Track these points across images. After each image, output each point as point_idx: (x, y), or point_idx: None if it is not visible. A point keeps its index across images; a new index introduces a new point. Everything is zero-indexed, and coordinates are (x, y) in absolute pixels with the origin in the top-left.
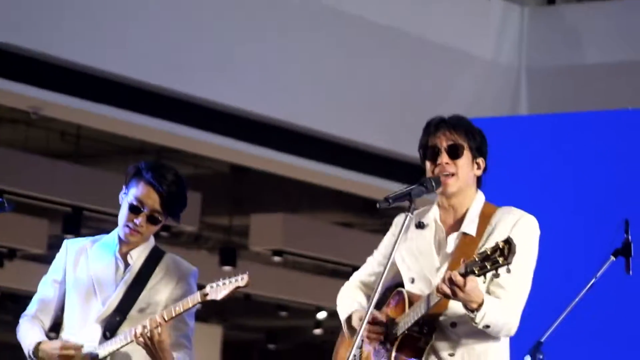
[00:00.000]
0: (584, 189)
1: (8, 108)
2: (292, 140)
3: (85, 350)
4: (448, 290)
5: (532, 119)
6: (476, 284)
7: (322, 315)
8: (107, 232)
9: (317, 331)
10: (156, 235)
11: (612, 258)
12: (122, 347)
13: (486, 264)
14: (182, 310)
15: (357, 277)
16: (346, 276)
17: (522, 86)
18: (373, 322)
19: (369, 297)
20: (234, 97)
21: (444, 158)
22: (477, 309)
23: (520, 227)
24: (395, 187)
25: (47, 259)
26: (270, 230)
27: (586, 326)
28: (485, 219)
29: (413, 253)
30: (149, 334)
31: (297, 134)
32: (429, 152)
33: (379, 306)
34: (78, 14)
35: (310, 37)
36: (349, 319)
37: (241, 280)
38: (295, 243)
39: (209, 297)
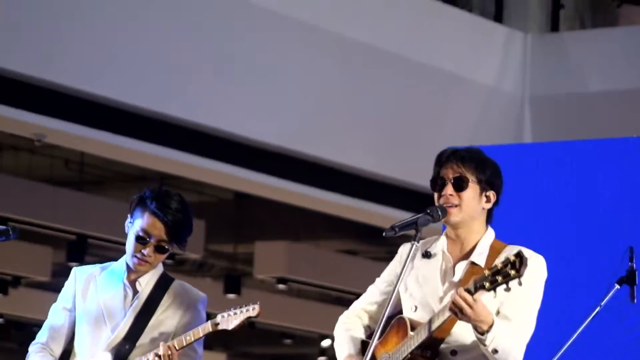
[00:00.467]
0: (588, 217)
1: (12, 135)
2: (296, 168)
3: None
4: (461, 303)
5: (536, 146)
6: (483, 305)
7: (326, 343)
8: (115, 259)
9: (322, 359)
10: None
11: (617, 286)
12: None
13: (497, 277)
14: (192, 339)
15: (358, 305)
16: (350, 304)
17: (525, 113)
18: None
19: (367, 327)
20: (238, 125)
21: (448, 189)
22: (487, 331)
23: (529, 267)
24: (400, 215)
25: (51, 287)
26: (274, 258)
27: (591, 355)
28: (494, 252)
29: (418, 281)
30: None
31: (302, 162)
32: (437, 182)
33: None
34: (82, 41)
35: (312, 64)
36: None
37: (252, 310)
38: (300, 271)
39: (220, 327)
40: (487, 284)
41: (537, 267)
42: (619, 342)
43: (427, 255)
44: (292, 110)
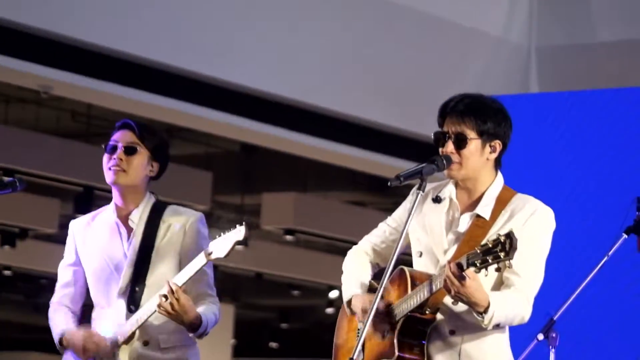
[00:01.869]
0: (595, 167)
1: (18, 88)
2: (303, 119)
3: (107, 336)
4: (453, 288)
5: (542, 96)
6: (478, 285)
7: (334, 294)
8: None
9: (329, 310)
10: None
11: (624, 236)
12: (145, 320)
13: (487, 257)
14: (193, 273)
15: (368, 242)
16: None
17: (532, 64)
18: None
19: (375, 265)
20: (245, 76)
21: (448, 147)
22: (485, 312)
23: (536, 218)
24: (406, 165)
25: (58, 239)
26: (282, 209)
27: (598, 304)
28: (501, 203)
29: (424, 227)
30: (168, 304)
31: (308, 113)
32: (439, 137)
33: (379, 276)
34: None
35: (321, 16)
36: (349, 302)
37: (239, 233)
38: (307, 222)
39: (213, 256)
40: (478, 262)
41: (545, 219)
42: (627, 292)
43: (437, 199)
44: (300, 61)
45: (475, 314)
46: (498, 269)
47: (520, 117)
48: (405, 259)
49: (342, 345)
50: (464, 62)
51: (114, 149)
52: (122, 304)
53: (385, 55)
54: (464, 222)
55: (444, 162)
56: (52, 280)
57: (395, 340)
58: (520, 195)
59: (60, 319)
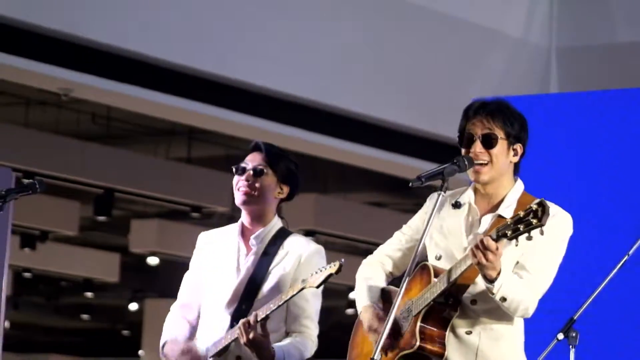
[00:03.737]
0: (615, 166)
1: (38, 90)
2: (323, 120)
3: (205, 351)
4: (480, 255)
5: (562, 96)
6: (500, 256)
7: (354, 295)
8: (142, 213)
9: (349, 311)
10: (186, 216)
11: None
12: (235, 338)
13: (519, 226)
14: (282, 302)
15: (383, 251)
16: None
17: (552, 64)
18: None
19: (389, 274)
20: (265, 78)
21: (477, 147)
22: (495, 279)
23: (555, 222)
24: (426, 166)
25: (78, 241)
26: (302, 210)
27: (619, 303)
28: (522, 206)
29: (442, 231)
30: (243, 334)
31: (328, 114)
32: (465, 138)
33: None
34: None
35: (340, 17)
36: (360, 314)
37: (333, 266)
38: (327, 223)
39: (307, 285)
40: (509, 232)
41: (562, 223)
42: None
43: (456, 205)
44: (320, 62)
45: (484, 282)
46: (529, 238)
47: (540, 118)
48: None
49: (358, 355)
50: (484, 62)
51: (243, 170)
52: (226, 319)
53: (405, 55)
54: (485, 223)
55: (466, 162)
56: (72, 282)
57: (417, 330)
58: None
59: (170, 325)
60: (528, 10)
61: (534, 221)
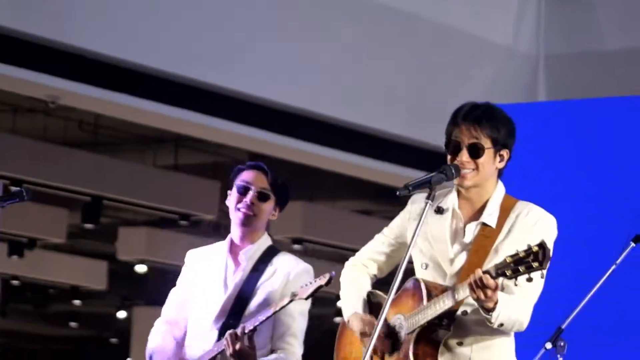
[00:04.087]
0: (602, 175)
1: (26, 97)
2: (310, 128)
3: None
4: (480, 292)
5: (550, 105)
6: (499, 288)
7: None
8: (130, 221)
9: (338, 319)
10: (174, 223)
11: (632, 244)
12: (221, 351)
13: (519, 267)
14: (271, 313)
15: (365, 254)
16: None
17: (540, 72)
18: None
19: (373, 277)
20: (252, 85)
21: (464, 155)
22: (493, 309)
23: (540, 227)
24: (413, 174)
25: (66, 249)
26: (290, 218)
27: (607, 313)
28: (505, 211)
29: (427, 238)
30: (230, 346)
31: (316, 122)
32: (451, 145)
33: (379, 283)
34: (96, 3)
35: (328, 25)
36: (348, 321)
37: (323, 278)
38: (315, 231)
39: (297, 298)
40: (508, 272)
41: (549, 227)
42: (635, 301)
43: (439, 211)
44: (308, 70)
45: (482, 311)
46: (530, 279)
47: (529, 126)
48: (407, 267)
49: (346, 358)
50: (472, 70)
51: (245, 190)
52: (214, 334)
53: (393, 64)
54: (470, 232)
55: (453, 171)
56: (60, 290)
57: (410, 352)
58: (523, 202)
59: (156, 337)
60: (516, 18)
61: (535, 264)
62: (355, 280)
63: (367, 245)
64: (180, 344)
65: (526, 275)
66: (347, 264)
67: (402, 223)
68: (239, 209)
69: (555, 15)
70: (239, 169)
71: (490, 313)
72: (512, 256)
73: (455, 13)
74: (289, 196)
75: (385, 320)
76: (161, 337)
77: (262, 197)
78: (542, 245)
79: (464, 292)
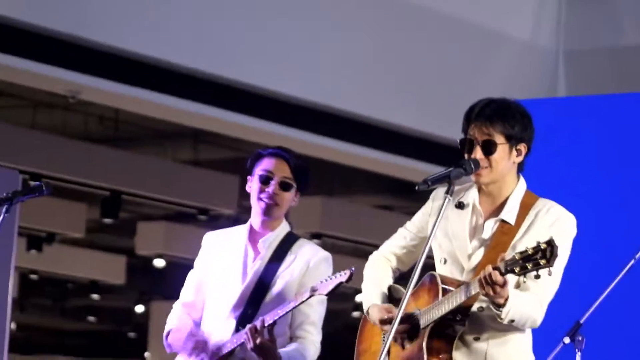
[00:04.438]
0: (622, 170)
1: (46, 92)
2: (330, 123)
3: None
4: (489, 288)
5: (570, 100)
6: (508, 284)
7: (360, 298)
8: (149, 216)
9: (356, 314)
10: (193, 218)
11: None
12: (241, 343)
13: (527, 264)
14: (291, 307)
15: (388, 247)
16: None
17: (559, 67)
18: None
19: (396, 270)
20: (272, 80)
21: (477, 152)
22: (503, 305)
23: (559, 225)
24: (432, 169)
25: (85, 243)
26: (308, 213)
27: (625, 307)
28: (525, 208)
29: (447, 234)
30: (250, 340)
31: (334, 117)
32: (466, 142)
33: (401, 278)
34: None
35: (346, 19)
36: (367, 312)
37: (344, 275)
38: (334, 226)
39: (317, 293)
40: (517, 269)
41: (568, 226)
42: None
43: (459, 206)
44: (327, 65)
45: (493, 307)
46: (538, 277)
47: (548, 121)
48: (428, 262)
49: (366, 350)
50: (491, 65)
51: (267, 180)
52: (232, 322)
53: (412, 58)
54: (489, 228)
55: (472, 166)
56: (78, 284)
57: (424, 345)
58: (543, 200)
59: (174, 318)
60: (535, 13)
61: (542, 262)
62: (376, 274)
63: (390, 239)
64: (198, 324)
65: (534, 272)
66: (370, 257)
67: (423, 218)
68: (261, 199)
69: (575, 10)
70: (258, 154)
71: (501, 309)
72: (521, 253)
73: (474, 7)
74: (309, 180)
75: (407, 311)
76: (178, 317)
77: (284, 186)
78: (550, 243)
79: (475, 288)
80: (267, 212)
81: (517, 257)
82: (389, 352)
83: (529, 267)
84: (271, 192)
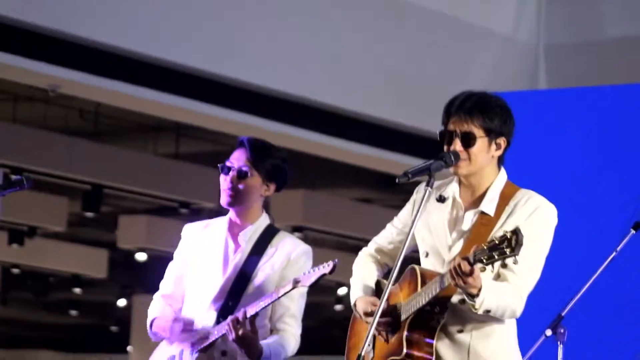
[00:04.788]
0: (603, 163)
1: (26, 86)
2: (312, 117)
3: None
4: (458, 278)
5: (551, 93)
6: (479, 272)
7: (343, 291)
8: (130, 209)
9: (338, 307)
10: (174, 212)
11: (633, 231)
12: (221, 335)
13: (494, 253)
14: (273, 300)
15: (375, 243)
16: None
17: (540, 61)
18: (381, 314)
19: (384, 265)
20: (252, 74)
21: (456, 145)
22: (477, 295)
23: (538, 215)
24: (413, 162)
25: (66, 237)
26: (290, 207)
27: (607, 300)
28: (505, 199)
29: (428, 227)
30: (232, 331)
31: (316, 110)
32: (446, 135)
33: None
34: None
35: (327, 13)
36: (354, 305)
37: (327, 267)
38: (316, 219)
39: (299, 285)
40: (484, 258)
41: (548, 216)
42: (635, 288)
43: (440, 199)
44: (308, 59)
45: (467, 298)
46: (504, 265)
47: (529, 114)
48: (415, 256)
49: (356, 344)
50: (473, 59)
51: (228, 170)
52: (212, 315)
53: (393, 52)
54: (468, 220)
55: (452, 158)
56: (60, 278)
57: (403, 338)
58: (524, 191)
59: (156, 308)
60: (516, 7)
61: (507, 250)
62: (364, 270)
63: (379, 234)
64: (178, 314)
65: (500, 262)
66: (360, 253)
67: (408, 212)
68: (224, 193)
69: (556, 4)
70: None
71: (474, 299)
72: (488, 242)
73: (456, 1)
74: (282, 169)
75: (390, 304)
76: (160, 307)
77: (241, 174)
78: (515, 232)
79: (448, 279)
80: (229, 203)
81: (484, 247)
82: (374, 345)
83: (495, 257)
84: (229, 182)
